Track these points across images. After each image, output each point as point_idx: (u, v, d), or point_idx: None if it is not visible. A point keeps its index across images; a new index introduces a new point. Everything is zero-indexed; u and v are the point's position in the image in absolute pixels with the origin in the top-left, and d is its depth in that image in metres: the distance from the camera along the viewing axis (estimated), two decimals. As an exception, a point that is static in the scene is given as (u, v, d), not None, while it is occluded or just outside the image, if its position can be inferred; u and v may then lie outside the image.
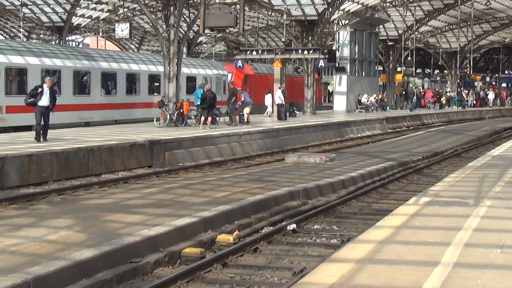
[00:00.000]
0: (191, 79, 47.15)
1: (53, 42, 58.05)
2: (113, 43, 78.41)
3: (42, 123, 24.40)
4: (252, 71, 55.47)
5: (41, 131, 24.46)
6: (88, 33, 63.52)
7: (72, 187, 19.96)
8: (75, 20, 56.39)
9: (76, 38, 66.00)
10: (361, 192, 19.05)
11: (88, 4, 54.25)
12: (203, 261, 11.33)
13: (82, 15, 56.78)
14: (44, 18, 55.59)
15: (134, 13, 58.36)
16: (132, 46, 78.67)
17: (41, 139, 24.25)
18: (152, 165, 25.60)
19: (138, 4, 39.15)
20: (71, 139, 25.59)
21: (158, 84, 43.91)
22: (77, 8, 53.69)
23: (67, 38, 57.58)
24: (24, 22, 54.74)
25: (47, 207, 15.34)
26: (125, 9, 52.91)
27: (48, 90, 24.35)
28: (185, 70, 43.97)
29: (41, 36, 58.10)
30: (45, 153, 21.24)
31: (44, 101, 24.21)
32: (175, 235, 12.20)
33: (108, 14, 54.65)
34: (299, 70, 61.25)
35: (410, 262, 8.86)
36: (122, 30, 38.72)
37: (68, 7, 52.85)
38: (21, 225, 12.34)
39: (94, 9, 56.06)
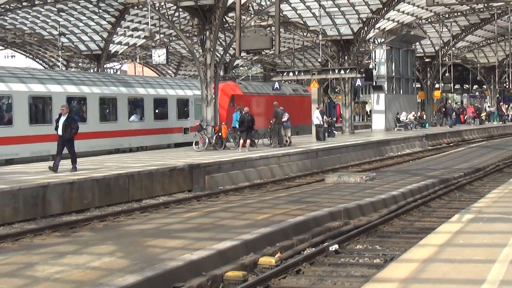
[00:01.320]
0: (160, 103, 42.66)
1: (92, 70, 58.72)
2: (151, 69, 79.05)
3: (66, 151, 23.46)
4: (240, 91, 48.90)
5: (57, 161, 23.35)
6: (126, 60, 64.15)
7: (113, 213, 20.07)
8: (113, 48, 56.99)
9: (114, 65, 66.71)
10: (403, 210, 18.88)
11: (125, 31, 54.82)
12: (246, 284, 11.29)
13: (119, 42, 57.36)
14: (82, 47, 56.26)
15: (171, 38, 58.82)
16: (170, 72, 79.22)
17: (56, 170, 23.07)
18: (192, 189, 25.67)
19: (174, 29, 39.47)
20: (112, 165, 25.77)
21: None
22: (114, 36, 54.28)
23: (105, 66, 58.18)
24: (63, 51, 55.45)
25: (89, 234, 15.43)
26: (162, 35, 53.35)
27: (64, 118, 23.29)
28: (150, 91, 41.83)
29: (80, 64, 58.79)
30: (86, 180, 21.43)
31: (60, 130, 23.27)
32: (217, 258, 12.18)
33: (144, 40, 55.19)
34: (303, 89, 58.87)
35: (456, 281, 8.73)
36: (159, 56, 39.01)
37: (105, 35, 53.45)
38: (64, 253, 12.41)
39: (131, 36, 56.61)
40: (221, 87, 42.82)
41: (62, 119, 23.17)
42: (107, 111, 38.75)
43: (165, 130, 41.66)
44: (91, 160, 29.35)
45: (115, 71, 65.59)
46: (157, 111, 41.84)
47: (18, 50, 66.95)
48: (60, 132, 23.13)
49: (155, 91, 41.77)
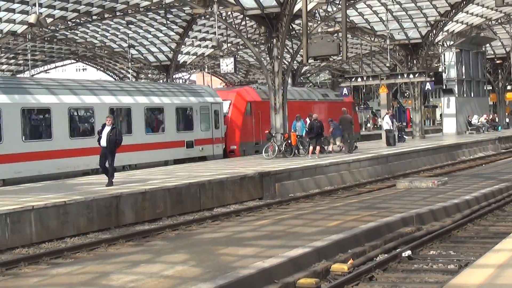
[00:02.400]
0: (153, 112, 36.04)
1: (161, 81, 59.43)
2: (219, 78, 79.58)
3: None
4: (259, 97, 41.96)
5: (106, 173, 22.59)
6: (194, 70, 64.74)
7: (185, 222, 20.24)
8: (181, 58, 57.56)
9: (183, 76, 67.37)
10: (476, 215, 18.56)
11: (192, 41, 55.32)
12: (319, 291, 11.25)
13: (188, 53, 57.91)
14: (151, 58, 56.97)
15: (238, 47, 59.15)
16: (238, 80, 79.61)
17: (108, 184, 22.30)
18: (263, 197, 25.71)
19: (241, 38, 39.73)
20: (183, 175, 25.99)
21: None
22: (183, 46, 54.82)
23: (174, 76, 58.80)
24: (132, 63, 56.25)
25: (162, 242, 15.58)
26: (229, 44, 53.69)
27: (108, 129, 22.22)
28: (139, 99, 34.61)
29: (149, 75, 59.55)
30: (158, 190, 21.67)
31: (103, 141, 22.21)
32: (289, 266, 12.16)
33: (212, 50, 55.63)
34: (335, 94, 53.35)
35: (533, 286, 8.55)
36: (227, 65, 39.50)
37: (173, 45, 54.03)
38: (138, 262, 12.56)
39: (199, 46, 57.10)
40: (235, 94, 41.18)
41: (106, 129, 22.17)
42: (79, 124, 31.86)
43: (160, 145, 34.84)
44: (163, 169, 29.65)
45: (184, 81, 66.20)
46: (149, 122, 35.16)
47: (89, 63, 68.21)
48: (103, 143, 22.16)
49: (146, 99, 34.98)
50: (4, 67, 59.18)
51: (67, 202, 18.89)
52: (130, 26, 49.64)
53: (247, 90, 42.46)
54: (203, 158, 36.35)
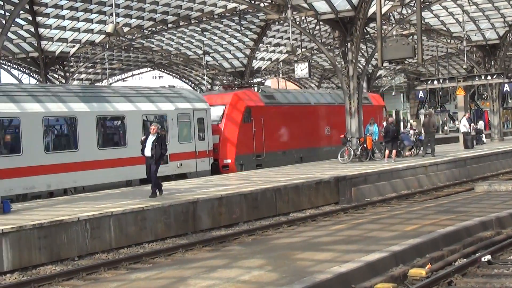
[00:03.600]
0: (111, 121, 30.06)
1: (167, 85, 59.77)
2: (294, 83, 79.59)
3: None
4: (261, 101, 36.34)
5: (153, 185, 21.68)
6: (269, 75, 64.88)
7: (261, 227, 20.29)
8: (256, 64, 57.78)
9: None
10: (559, 218, 18.10)
11: (267, 47, 55.48)
12: (396, 296, 11.14)
13: (262, 58, 58.09)
14: (226, 65, 57.36)
15: (312, 52, 59.07)
16: (312, 85, 79.48)
17: (157, 194, 21.58)
18: (339, 202, 25.60)
19: (315, 43, 39.66)
20: (258, 180, 26.06)
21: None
22: (257, 52, 55.03)
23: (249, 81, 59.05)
24: (207, 69, 56.71)
25: (238, 248, 15.66)
26: (303, 49, 53.69)
27: (153, 138, 21.36)
28: (92, 106, 28.47)
29: (224, 82, 59.96)
30: (234, 195, 21.78)
31: (147, 151, 21.39)
32: (366, 270, 12.07)
33: (287, 55, 55.68)
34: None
35: None
36: (301, 69, 39.25)
37: (248, 51, 54.27)
38: (215, 267, 12.64)
39: (273, 51, 57.22)
40: (230, 97, 34.94)
41: (151, 139, 21.32)
42: (9, 138, 26.46)
43: (120, 162, 28.66)
44: (238, 175, 29.79)
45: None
46: (103, 134, 29.25)
47: (165, 71, 69.05)
48: (148, 153, 21.32)
49: (98, 106, 28.84)
50: (83, 76, 60.35)
51: (145, 208, 19.16)
52: (205, 33, 50.06)
53: (246, 93, 36.25)
54: (182, 176, 31.04)
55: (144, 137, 21.88)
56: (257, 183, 24.78)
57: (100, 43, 44.73)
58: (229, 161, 33.57)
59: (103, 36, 42.32)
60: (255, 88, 38.27)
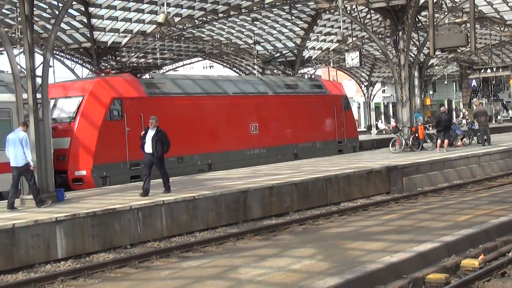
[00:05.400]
0: None
1: (312, 76, 59.61)
2: (345, 72, 79.19)
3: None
4: (143, 91, 27.94)
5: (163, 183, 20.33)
6: (319, 65, 64.63)
7: (312, 217, 20.27)
8: (306, 53, 57.60)
9: (308, 71, 67.41)
10: None
11: (317, 36, 55.26)
12: (448, 286, 11.05)
13: (313, 48, 57.89)
14: (276, 54, 57.28)
15: (363, 41, 58.63)
16: (363, 74, 79.02)
17: (165, 190, 20.19)
18: (390, 191, 25.46)
19: (366, 32, 39.40)
20: (309, 169, 26.05)
21: None
22: (308, 41, 54.86)
23: (299, 71, 58.95)
24: (258, 59, 56.71)
25: (289, 237, 15.69)
26: (354, 38, 53.33)
27: (154, 132, 20.07)
28: None
29: (275, 71, 59.90)
30: (284, 185, 21.80)
31: (147, 147, 20.09)
32: (417, 261, 11.99)
33: (337, 44, 55.32)
34: (313, 84, 38.59)
35: None
36: (352, 59, 39.06)
37: (298, 41, 54.14)
38: (266, 256, 12.68)
39: (324, 40, 56.98)
40: (91, 86, 26.60)
41: (151, 133, 20.02)
42: None
43: None
44: (288, 164, 29.78)
45: (309, 76, 66.08)
46: None
47: (216, 60, 69.22)
48: (149, 150, 20.01)
49: None
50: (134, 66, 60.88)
51: (196, 197, 19.28)
52: (255, 22, 50.03)
53: (117, 81, 27.55)
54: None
55: (143, 132, 20.46)
56: (308, 172, 24.76)
57: (151, 33, 44.97)
58: (83, 172, 25.15)
59: (154, 26, 42.54)
60: (151, 75, 29.94)
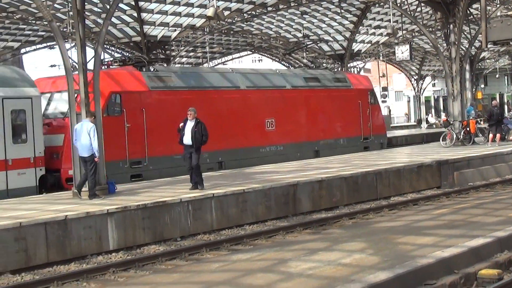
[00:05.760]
0: None
1: (335, 70, 59.29)
2: (394, 66, 78.63)
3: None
4: (143, 85, 26.39)
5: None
6: (369, 58, 64.27)
7: (362, 211, 20.18)
8: (355, 47, 57.28)
9: (357, 64, 67.05)
10: None
11: (367, 29, 54.91)
12: (501, 283, 10.92)
13: (362, 41, 57.55)
14: (325, 47, 57.08)
15: (413, 34, 58.12)
16: (413, 68, 78.37)
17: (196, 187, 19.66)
18: (441, 186, 25.23)
19: (417, 25, 39.03)
20: (359, 163, 25.93)
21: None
22: (357, 35, 54.56)
23: (348, 65, 58.67)
24: (307, 52, 56.56)
25: (339, 231, 15.66)
26: (404, 31, 52.90)
27: (193, 124, 19.72)
28: None
29: (324, 65, 59.71)
30: (334, 178, 21.73)
31: (187, 139, 19.73)
32: (469, 256, 11.88)
33: (387, 37, 54.96)
34: (336, 78, 36.67)
35: None
36: (402, 52, 38.65)
37: (348, 34, 53.88)
38: (316, 249, 12.67)
39: (373, 34, 56.59)
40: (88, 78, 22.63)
41: (190, 125, 19.69)
42: None
43: None
44: (338, 158, 29.69)
45: (358, 70, 65.67)
46: None
47: (265, 54, 69.26)
48: (188, 141, 19.67)
49: None
50: (183, 60, 61.06)
51: (245, 190, 19.32)
52: (304, 16, 49.91)
53: (116, 73, 26.28)
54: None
55: (182, 124, 19.92)
56: (358, 166, 24.65)
57: (200, 27, 45.12)
58: None
59: (203, 20, 42.66)
60: (153, 68, 27.94)
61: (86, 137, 18.85)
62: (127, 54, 48.47)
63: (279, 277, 10.68)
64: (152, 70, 27.54)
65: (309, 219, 19.32)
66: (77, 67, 19.76)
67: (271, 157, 29.90)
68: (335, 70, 44.02)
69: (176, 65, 53.72)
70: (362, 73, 65.85)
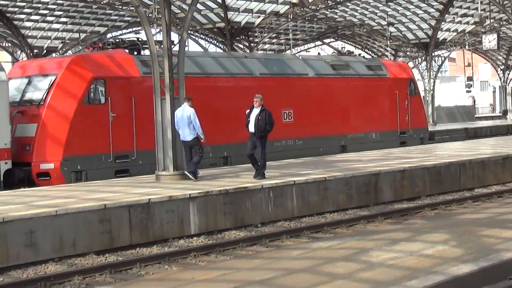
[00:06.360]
0: None
1: (419, 59, 58.59)
2: (480, 55, 77.18)
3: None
4: (134, 70, 23.65)
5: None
6: (454, 47, 63.21)
7: (445, 202, 19.93)
8: (441, 35, 56.47)
9: (442, 53, 66.08)
10: None
11: (453, 18, 54.05)
12: None
13: (448, 30, 56.67)
14: (410, 36, 56.41)
15: (501, 23, 56.93)
16: (500, 57, 76.75)
17: (257, 175, 19.11)
18: (527, 178, 24.66)
19: (505, 13, 38.21)
20: (442, 154, 25.58)
21: None
22: (442, 23, 53.73)
23: (432, 54, 57.83)
24: (391, 40, 56.00)
25: (421, 221, 15.47)
26: (492, 20, 51.84)
27: (258, 111, 19.16)
28: None
29: (408, 53, 59.02)
30: (417, 169, 21.51)
31: (251, 126, 19.26)
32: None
33: (474, 26, 53.96)
34: (372, 65, 33.40)
35: None
36: (489, 41, 37.89)
37: (433, 22, 53.12)
38: (397, 239, 12.53)
39: (460, 22, 55.68)
40: (66, 64, 22.69)
41: (255, 112, 19.15)
42: None
43: None
44: (420, 148, 29.33)
45: (443, 59, 64.62)
46: None
47: (348, 42, 68.83)
48: (252, 129, 19.19)
49: None
50: (266, 46, 61.22)
51: (327, 178, 19.27)
52: (389, 3, 49.41)
53: (103, 58, 23.49)
54: None
55: (248, 110, 19.51)
56: (441, 157, 24.32)
57: (284, 14, 45.16)
58: (50, 166, 21.53)
59: (287, 6, 42.71)
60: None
61: (186, 122, 19.23)
62: (211, 40, 48.83)
63: (360, 266, 10.61)
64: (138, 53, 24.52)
65: (391, 209, 19.17)
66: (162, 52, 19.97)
67: (288, 152, 27.20)
68: (375, 56, 42.68)
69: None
70: (447, 62, 64.80)
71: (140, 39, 24.92)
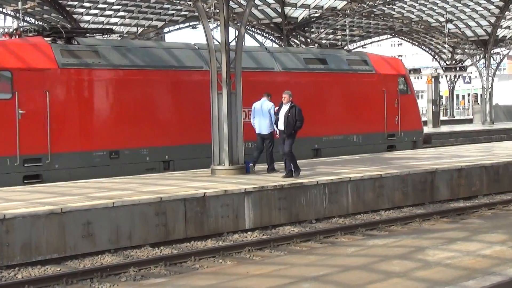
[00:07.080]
0: None
1: (477, 57, 57.79)
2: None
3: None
4: (50, 61, 20.14)
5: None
6: (513, 45, 62.33)
7: (502, 202, 19.64)
8: (500, 32, 55.68)
9: (501, 51, 65.19)
10: None
11: (514, 15, 53.27)
12: None
13: (508, 27, 55.86)
14: (468, 33, 55.75)
15: None
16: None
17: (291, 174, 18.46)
18: None
19: None
20: (501, 153, 25.23)
21: None
22: (503, 20, 52.96)
23: (492, 51, 57.04)
24: (449, 37, 55.40)
25: (478, 221, 15.28)
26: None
27: (287, 108, 18.67)
28: None
29: (466, 50, 58.31)
30: (474, 167, 21.24)
31: (280, 123, 18.81)
32: None
33: (535, 24, 53.15)
34: (358, 59, 29.22)
35: None
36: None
37: (493, 19, 52.39)
38: (454, 239, 12.41)
39: (520, 19, 54.86)
40: None
41: (284, 109, 18.68)
42: None
43: None
44: (479, 147, 28.96)
45: (501, 57, 63.69)
46: None
47: (405, 38, 68.30)
48: (281, 126, 18.72)
49: None
50: (323, 42, 61.20)
51: (383, 175, 19.14)
52: (448, 0, 48.91)
53: (12, 46, 20.25)
54: None
55: (277, 107, 19.09)
56: (499, 156, 23.98)
57: (341, 10, 44.99)
58: None
59: (345, 2, 42.59)
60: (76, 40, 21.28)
61: (266, 115, 19.49)
62: (268, 35, 48.85)
63: (416, 264, 10.53)
64: (76, 43, 21.20)
65: (447, 208, 18.97)
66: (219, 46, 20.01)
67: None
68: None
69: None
70: (505, 60, 63.86)
71: (64, 26, 21.48)
